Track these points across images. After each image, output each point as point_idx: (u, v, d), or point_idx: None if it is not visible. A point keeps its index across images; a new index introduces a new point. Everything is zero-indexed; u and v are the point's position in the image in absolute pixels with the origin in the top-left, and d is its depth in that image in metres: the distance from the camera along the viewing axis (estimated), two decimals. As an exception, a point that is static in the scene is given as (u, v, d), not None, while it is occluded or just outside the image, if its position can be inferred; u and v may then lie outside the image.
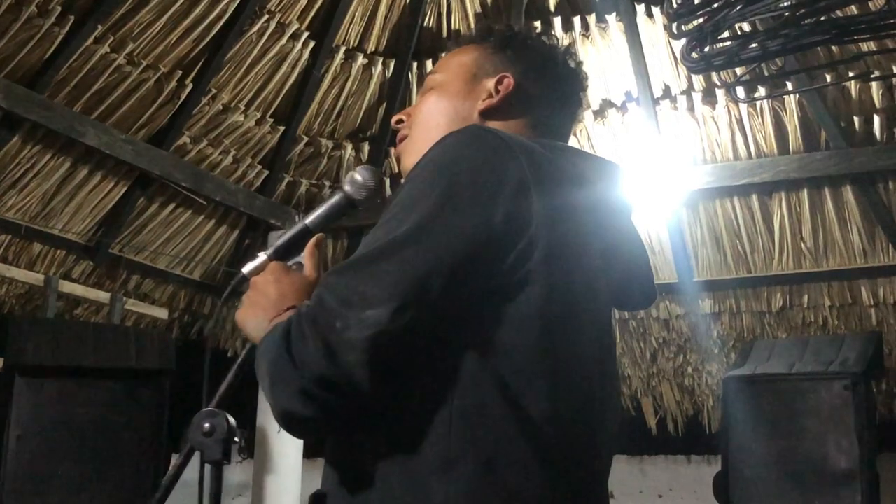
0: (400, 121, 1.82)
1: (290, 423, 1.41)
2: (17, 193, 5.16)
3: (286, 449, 5.38)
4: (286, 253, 1.73)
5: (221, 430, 1.56)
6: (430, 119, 1.76)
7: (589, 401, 1.54)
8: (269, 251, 1.73)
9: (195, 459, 1.61)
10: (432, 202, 1.43)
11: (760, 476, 4.70)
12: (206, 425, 1.56)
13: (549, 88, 1.78)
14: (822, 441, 4.62)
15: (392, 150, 5.95)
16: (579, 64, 1.85)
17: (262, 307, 1.60)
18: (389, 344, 1.35)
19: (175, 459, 4.77)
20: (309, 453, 5.55)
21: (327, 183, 6.12)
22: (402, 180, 1.52)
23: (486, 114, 1.73)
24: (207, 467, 1.57)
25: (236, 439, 1.58)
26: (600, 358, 1.59)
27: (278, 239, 1.76)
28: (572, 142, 1.83)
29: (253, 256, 1.75)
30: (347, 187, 1.74)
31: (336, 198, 1.75)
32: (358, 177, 1.74)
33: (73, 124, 4.99)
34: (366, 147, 6.02)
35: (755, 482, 4.71)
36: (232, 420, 1.58)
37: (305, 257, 1.70)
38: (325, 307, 1.37)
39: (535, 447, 1.42)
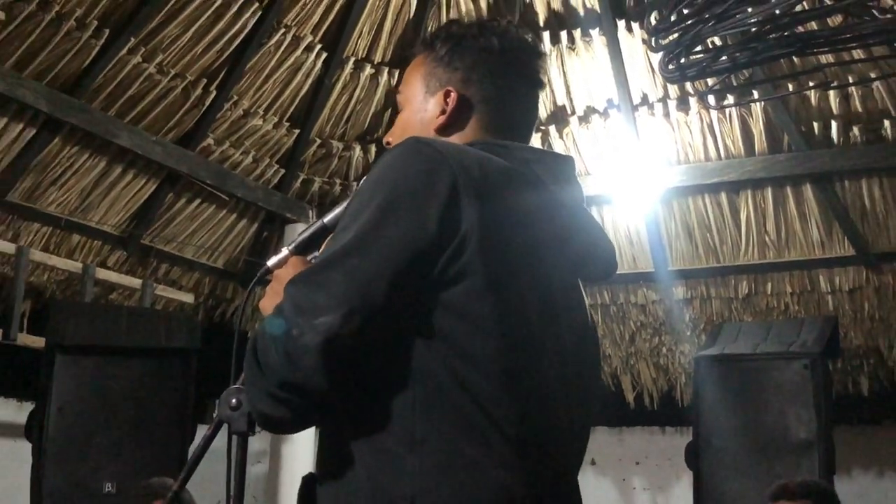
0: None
1: (264, 422, 1.45)
2: (57, 189, 5.16)
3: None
4: (306, 248, 1.71)
5: (247, 404, 1.56)
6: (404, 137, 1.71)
7: (545, 374, 1.53)
8: (291, 246, 1.72)
9: (223, 430, 1.62)
10: (372, 213, 1.43)
11: (728, 445, 4.71)
12: (234, 400, 1.57)
13: (494, 89, 1.74)
14: (784, 414, 4.63)
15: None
16: (523, 46, 1.78)
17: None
18: (342, 346, 1.36)
19: (201, 430, 4.79)
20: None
21: (338, 181, 6.12)
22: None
23: (441, 130, 1.72)
24: (234, 438, 1.58)
25: None
26: (559, 334, 1.58)
27: (299, 236, 1.73)
28: (559, 145, 1.79)
29: (276, 250, 1.74)
30: None
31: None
32: None
33: (109, 127, 4.99)
34: (373, 148, 6.03)
35: (723, 451, 4.71)
36: None
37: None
38: (283, 316, 1.39)
39: (493, 424, 1.42)
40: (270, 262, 1.72)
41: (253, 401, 1.43)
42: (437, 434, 1.41)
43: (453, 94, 1.71)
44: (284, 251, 1.72)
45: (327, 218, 1.72)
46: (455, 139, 1.69)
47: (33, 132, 4.89)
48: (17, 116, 4.79)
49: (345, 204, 1.70)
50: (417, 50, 1.81)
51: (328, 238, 1.52)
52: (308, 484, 1.53)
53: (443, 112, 1.71)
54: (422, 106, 1.75)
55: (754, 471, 4.59)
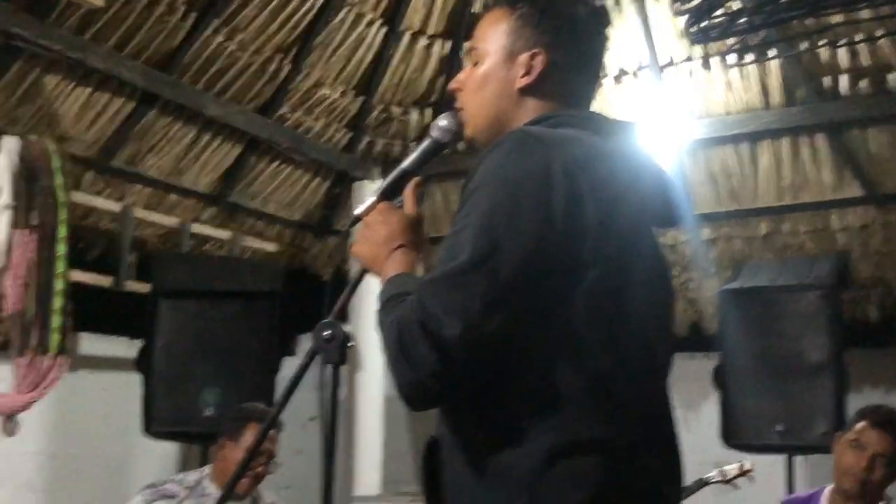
0: (454, 89, 1.70)
1: (410, 403, 1.41)
2: (154, 155, 5.22)
3: (370, 351, 5.44)
4: (390, 194, 1.66)
5: (339, 337, 1.57)
6: (481, 93, 1.64)
7: (647, 351, 1.50)
8: (377, 193, 1.67)
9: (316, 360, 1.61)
10: (501, 216, 1.37)
11: (750, 368, 4.68)
12: (326, 334, 1.57)
13: (577, 55, 1.62)
14: (800, 340, 4.59)
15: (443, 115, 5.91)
16: (603, 15, 1.67)
17: (374, 242, 1.59)
18: (487, 341, 1.34)
19: (285, 362, 4.84)
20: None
21: (398, 141, 6.10)
22: (469, 184, 1.44)
23: (524, 91, 1.60)
24: (328, 367, 1.58)
25: (350, 344, 1.59)
26: (654, 302, 1.53)
27: (383, 183, 1.69)
28: (595, 107, 1.73)
29: (348, 205, 1.73)
30: (435, 133, 1.69)
31: (426, 143, 1.69)
32: (442, 122, 1.68)
33: (197, 99, 5.04)
34: (428, 112, 5.99)
35: (746, 373, 4.69)
36: (347, 329, 1.58)
37: (406, 196, 1.64)
38: (430, 315, 1.34)
39: (601, 404, 1.39)
40: (359, 210, 1.67)
41: (400, 387, 1.39)
42: (551, 416, 1.38)
43: (542, 56, 1.59)
44: (371, 199, 1.67)
45: (406, 163, 1.69)
46: (536, 102, 1.60)
47: (132, 105, 4.94)
48: (118, 91, 4.85)
49: (420, 149, 1.69)
50: (497, 3, 1.66)
51: (454, 229, 1.42)
52: (431, 449, 1.50)
53: (527, 73, 1.60)
54: (504, 63, 1.62)
55: (773, 390, 4.57)
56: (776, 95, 5.22)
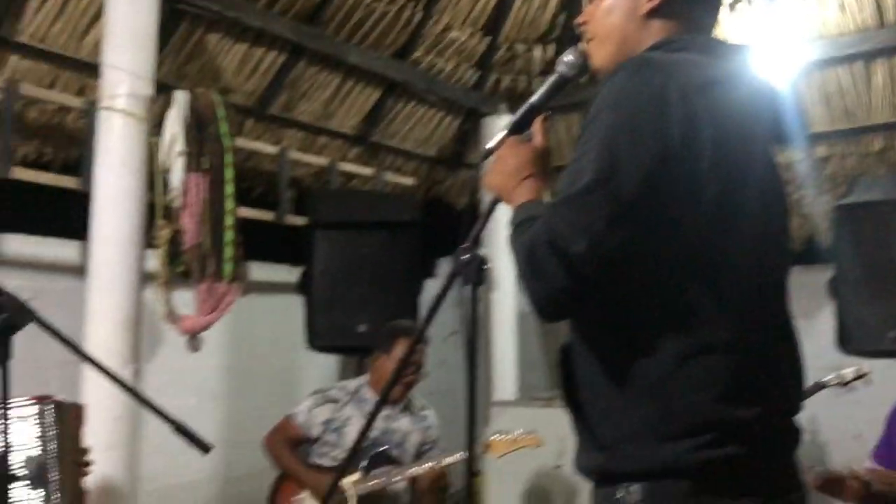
0: (582, 23, 1.70)
1: (542, 316, 1.48)
2: (305, 101, 5.55)
3: (503, 272, 5.59)
4: (519, 128, 1.70)
5: (476, 260, 1.66)
6: (607, 21, 1.63)
7: (765, 262, 1.51)
8: (507, 128, 1.71)
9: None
10: (621, 139, 1.40)
11: (864, 278, 4.71)
12: (465, 257, 1.67)
13: None
14: (914, 251, 4.56)
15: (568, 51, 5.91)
16: None
17: (505, 173, 1.65)
18: (612, 257, 1.38)
19: (426, 284, 5.06)
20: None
21: (523, 77, 6.19)
22: (591, 111, 1.47)
23: (649, 14, 1.59)
24: (467, 287, 1.67)
25: (486, 266, 1.68)
26: (770, 217, 1.55)
27: (512, 118, 1.72)
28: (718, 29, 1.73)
29: (480, 139, 1.83)
30: (560, 67, 1.72)
31: (553, 78, 1.72)
32: (567, 57, 1.71)
33: (340, 49, 5.33)
34: (550, 48, 6.07)
35: (860, 283, 4.71)
36: (484, 252, 1.68)
37: (534, 130, 1.69)
38: (558, 233, 1.39)
39: (722, 305, 1.43)
40: (490, 144, 1.71)
41: (533, 300, 1.45)
42: (679, 324, 1.42)
43: None
44: (501, 134, 1.71)
45: (534, 98, 1.72)
46: (660, 26, 1.60)
47: (284, 58, 5.28)
48: (271, 46, 5.19)
49: (546, 84, 1.72)
50: None
51: (577, 154, 1.45)
52: (565, 354, 1.56)
53: None
54: None
55: (886, 299, 4.60)
56: (891, 14, 5.09)
